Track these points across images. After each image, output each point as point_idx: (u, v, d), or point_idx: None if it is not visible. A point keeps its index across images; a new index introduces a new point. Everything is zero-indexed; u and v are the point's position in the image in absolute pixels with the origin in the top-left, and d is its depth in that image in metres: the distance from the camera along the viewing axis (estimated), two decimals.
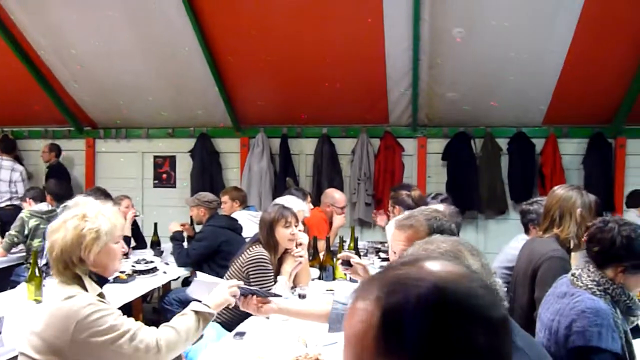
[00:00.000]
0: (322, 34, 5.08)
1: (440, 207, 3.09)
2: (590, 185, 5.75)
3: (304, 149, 6.33)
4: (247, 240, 3.90)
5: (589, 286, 2.00)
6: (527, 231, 3.32)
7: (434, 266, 0.79)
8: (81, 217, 1.81)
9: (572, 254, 2.78)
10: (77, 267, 1.79)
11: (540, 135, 5.86)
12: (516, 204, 5.91)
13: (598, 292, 1.98)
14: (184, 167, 6.52)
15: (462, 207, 5.54)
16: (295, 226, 3.15)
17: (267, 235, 3.11)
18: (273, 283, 2.92)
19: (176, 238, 4.44)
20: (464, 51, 5.09)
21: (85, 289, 1.78)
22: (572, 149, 5.87)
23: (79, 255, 1.78)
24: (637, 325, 2.15)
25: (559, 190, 2.83)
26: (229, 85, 5.81)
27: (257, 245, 3.10)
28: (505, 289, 3.16)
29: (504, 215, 5.97)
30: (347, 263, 2.63)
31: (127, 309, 3.27)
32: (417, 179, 6.07)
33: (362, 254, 4.61)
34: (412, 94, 5.59)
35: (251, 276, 2.97)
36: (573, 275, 2.08)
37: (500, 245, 5.43)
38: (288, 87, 5.75)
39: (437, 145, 6.07)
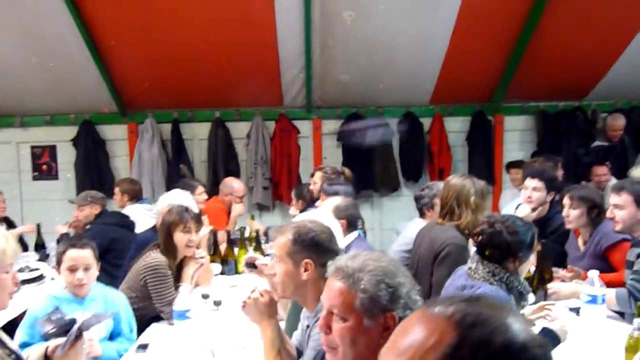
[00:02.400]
0: (211, 16, 4.88)
1: (338, 199, 3.15)
2: (474, 160, 6.16)
3: (197, 134, 6.13)
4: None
5: (486, 278, 2.14)
6: (422, 215, 3.47)
7: (520, 322, 0.78)
8: None
9: (470, 239, 2.96)
10: None
11: (428, 114, 6.12)
12: (407, 181, 6.19)
13: (495, 283, 2.13)
14: (67, 157, 6.05)
15: (357, 187, 5.72)
16: (196, 232, 3.03)
17: (166, 239, 2.97)
18: (174, 290, 2.80)
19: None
20: (355, 34, 5.15)
21: None
22: (456, 127, 6.21)
23: None
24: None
25: (454, 180, 2.99)
26: (112, 68, 5.43)
27: (154, 251, 2.94)
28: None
29: (397, 193, 6.21)
30: (251, 265, 2.59)
31: (13, 327, 3.00)
32: (313, 160, 6.12)
33: (263, 241, 4.60)
34: (305, 77, 5.58)
35: (149, 284, 2.83)
36: (470, 268, 2.21)
37: (395, 222, 5.74)
38: (177, 70, 5.47)
39: (331, 126, 6.14)
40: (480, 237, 2.19)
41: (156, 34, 5.03)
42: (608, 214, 2.99)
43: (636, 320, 2.07)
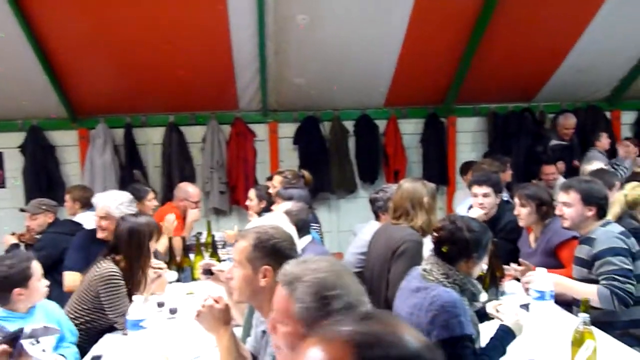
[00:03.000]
0: (163, 18, 4.80)
1: (289, 204, 3.16)
2: (428, 161, 6.29)
3: (151, 139, 6.02)
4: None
5: (440, 279, 2.17)
6: (377, 218, 3.52)
7: (410, 332, 0.84)
8: None
9: (424, 239, 3.01)
10: None
11: (383, 116, 6.20)
12: (364, 183, 6.25)
13: (449, 285, 2.16)
14: (14, 164, 5.84)
15: (314, 189, 5.74)
16: (156, 241, 2.98)
17: (137, 247, 2.87)
18: (128, 300, 2.73)
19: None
20: (309, 37, 5.17)
21: None
22: (410, 129, 6.32)
23: None
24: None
25: (406, 184, 3.05)
26: (61, 72, 5.26)
27: (106, 261, 2.85)
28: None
29: (354, 195, 6.26)
30: (208, 272, 2.56)
31: None
32: (270, 164, 6.11)
33: (220, 246, 4.56)
34: (260, 80, 5.57)
35: (102, 294, 2.75)
36: (425, 270, 2.25)
37: (352, 223, 5.78)
38: (129, 74, 5.38)
39: (288, 130, 6.14)
40: (440, 232, 2.24)
41: (107, 38, 4.92)
42: (557, 212, 3.11)
43: (582, 315, 2.15)
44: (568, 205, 2.98)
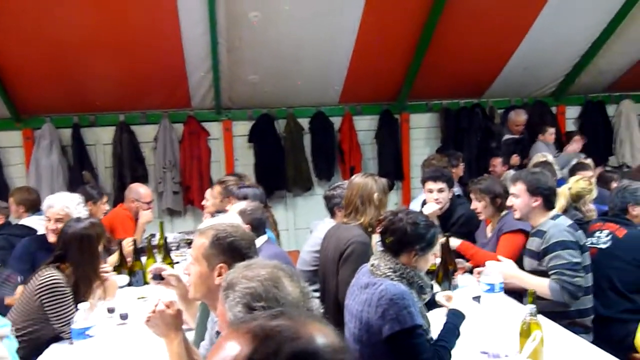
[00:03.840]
0: (113, 15, 4.67)
1: (243, 204, 3.13)
2: (383, 157, 6.34)
3: (101, 139, 5.84)
4: None
5: (387, 274, 2.21)
6: (333, 215, 3.52)
7: (321, 331, 0.84)
8: None
9: (373, 235, 3.04)
10: None
11: (338, 113, 6.22)
12: (320, 180, 6.25)
13: (396, 278, 2.20)
14: None
15: (270, 187, 5.72)
16: (102, 244, 2.89)
17: (86, 252, 2.77)
18: (74, 308, 2.62)
19: None
20: (262, 35, 5.12)
21: None
22: (365, 126, 6.36)
23: None
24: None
25: (357, 179, 3.07)
26: (2, 70, 5.05)
27: (48, 268, 2.71)
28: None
29: (310, 192, 6.25)
30: (158, 276, 2.50)
31: None
32: (224, 163, 6.04)
33: (173, 248, 4.48)
34: (213, 78, 5.48)
35: (45, 303, 2.62)
36: (372, 265, 2.27)
37: (309, 221, 5.77)
38: (76, 73, 5.20)
39: (242, 128, 6.08)
40: (383, 223, 2.29)
41: (52, 34, 4.74)
42: (507, 203, 3.21)
43: (529, 306, 2.21)
44: (516, 196, 3.08)
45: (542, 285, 2.81)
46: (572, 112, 6.90)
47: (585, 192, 3.67)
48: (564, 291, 2.79)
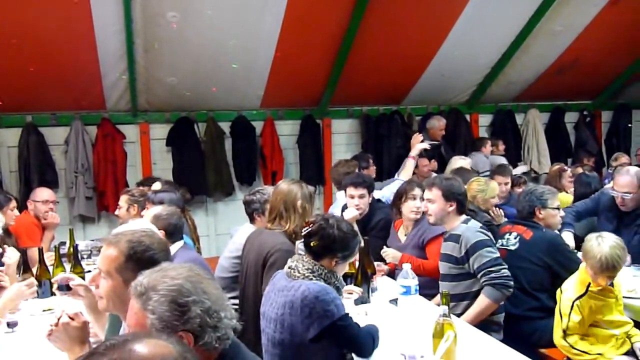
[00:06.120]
0: (15, 7, 4.38)
1: (159, 209, 3.02)
2: (304, 162, 6.36)
3: (5, 141, 5.46)
4: None
5: (306, 275, 2.25)
6: (252, 220, 3.47)
7: (143, 349, 0.92)
8: None
9: (297, 242, 3.02)
10: None
11: (259, 118, 6.18)
12: (241, 185, 6.17)
13: (314, 279, 2.24)
14: None
15: (190, 192, 5.57)
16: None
17: None
18: None
19: None
20: (181, 36, 4.99)
21: None
22: (287, 130, 6.35)
23: None
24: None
25: (283, 185, 3.05)
26: None
27: None
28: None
29: (231, 197, 6.16)
30: (65, 287, 2.35)
31: None
32: (141, 167, 5.82)
33: (85, 256, 4.25)
34: (129, 79, 5.28)
35: None
36: (290, 267, 2.28)
37: (230, 226, 5.68)
38: None
39: (160, 131, 5.90)
40: (311, 226, 2.31)
41: None
42: (423, 208, 3.29)
43: (441, 308, 2.27)
44: (432, 201, 3.17)
45: (482, 303, 2.94)
46: (484, 120, 7.25)
47: (477, 192, 4.05)
48: (499, 288, 2.93)
